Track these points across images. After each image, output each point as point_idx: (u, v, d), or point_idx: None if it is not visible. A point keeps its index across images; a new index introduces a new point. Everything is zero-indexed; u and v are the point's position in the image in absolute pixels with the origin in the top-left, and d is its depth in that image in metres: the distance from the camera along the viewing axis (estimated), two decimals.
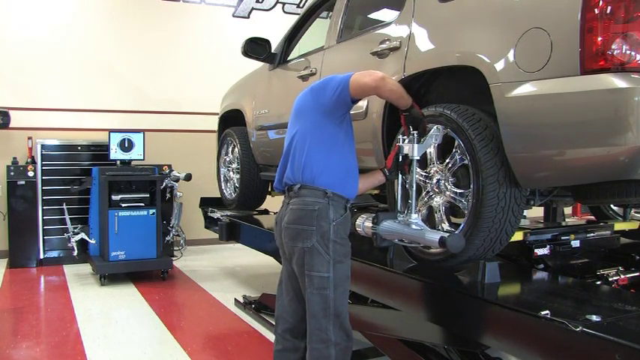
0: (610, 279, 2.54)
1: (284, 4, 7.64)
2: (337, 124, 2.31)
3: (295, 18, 4.13)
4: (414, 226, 2.33)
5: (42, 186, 6.02)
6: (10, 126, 6.08)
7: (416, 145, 2.34)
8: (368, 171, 2.59)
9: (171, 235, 5.85)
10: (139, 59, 6.88)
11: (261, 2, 7.52)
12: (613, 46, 1.77)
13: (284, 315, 2.47)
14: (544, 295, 2.17)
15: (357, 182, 2.39)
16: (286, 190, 2.39)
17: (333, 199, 2.26)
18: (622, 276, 2.57)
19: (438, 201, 2.42)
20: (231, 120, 4.81)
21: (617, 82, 1.75)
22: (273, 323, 3.73)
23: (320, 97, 2.31)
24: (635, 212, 3.23)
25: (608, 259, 2.80)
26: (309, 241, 2.23)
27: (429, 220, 2.45)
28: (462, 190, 2.30)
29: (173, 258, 5.83)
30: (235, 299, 4.57)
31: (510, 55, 2.03)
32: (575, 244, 2.67)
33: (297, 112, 2.43)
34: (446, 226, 2.39)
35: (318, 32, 3.76)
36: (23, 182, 5.93)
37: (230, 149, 4.80)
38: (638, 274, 2.64)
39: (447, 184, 2.38)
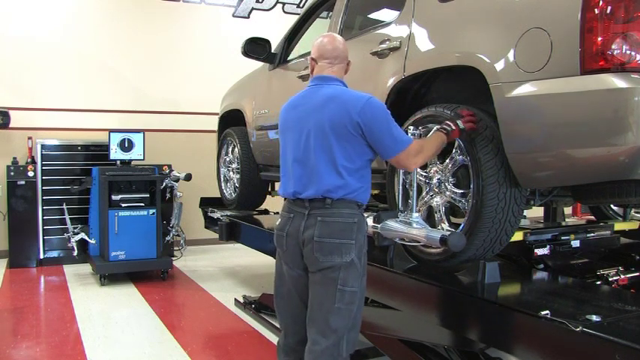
0: (610, 279, 2.54)
1: (284, 4, 7.64)
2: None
3: (295, 18, 4.13)
4: (415, 225, 2.35)
5: (42, 186, 6.01)
6: (10, 126, 6.07)
7: None
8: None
9: (171, 235, 5.84)
10: (139, 59, 6.87)
11: (261, 2, 7.52)
12: (613, 46, 1.78)
13: (296, 327, 2.28)
14: (544, 295, 2.18)
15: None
16: (304, 200, 2.15)
17: (362, 211, 2.19)
18: (622, 276, 2.57)
19: (437, 201, 2.43)
20: (231, 120, 4.80)
21: (617, 82, 1.75)
22: (274, 323, 3.75)
23: (357, 127, 2.08)
24: (635, 212, 3.23)
25: (608, 259, 2.80)
26: (348, 255, 2.09)
27: (429, 219, 2.46)
28: (462, 191, 2.31)
29: (173, 258, 5.82)
30: (235, 299, 4.57)
31: (510, 55, 2.03)
32: (575, 244, 2.66)
33: (316, 124, 2.15)
34: (445, 225, 2.39)
35: (318, 32, 3.76)
36: (23, 182, 5.92)
37: (230, 149, 4.79)
38: (638, 274, 2.64)
39: (447, 184, 2.38)
